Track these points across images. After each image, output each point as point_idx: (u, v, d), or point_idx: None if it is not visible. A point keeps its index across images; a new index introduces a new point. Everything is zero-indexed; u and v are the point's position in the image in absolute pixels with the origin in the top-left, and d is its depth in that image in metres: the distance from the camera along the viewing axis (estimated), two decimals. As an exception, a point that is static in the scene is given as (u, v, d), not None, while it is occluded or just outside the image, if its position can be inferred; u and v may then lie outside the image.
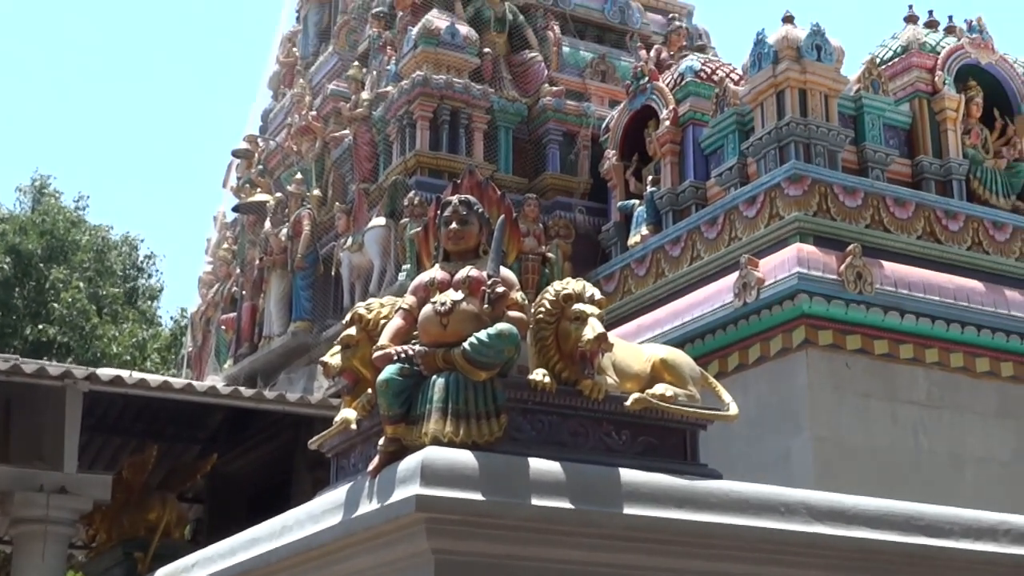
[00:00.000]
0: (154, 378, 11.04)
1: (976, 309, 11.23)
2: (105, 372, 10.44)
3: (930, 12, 13.20)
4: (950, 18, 13.16)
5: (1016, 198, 12.48)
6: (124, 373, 10.77)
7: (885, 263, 11.07)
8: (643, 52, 15.39)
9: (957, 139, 12.33)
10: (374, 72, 15.95)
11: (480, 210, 5.81)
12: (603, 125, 14.57)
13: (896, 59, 12.74)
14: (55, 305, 26.27)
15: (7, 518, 10.49)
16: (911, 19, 13.13)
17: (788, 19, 12.05)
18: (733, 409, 6.03)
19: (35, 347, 25.11)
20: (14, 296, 26.77)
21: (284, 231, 15.98)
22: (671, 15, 17.08)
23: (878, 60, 12.75)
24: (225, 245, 18.80)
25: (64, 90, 53.09)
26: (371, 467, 5.25)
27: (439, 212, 5.87)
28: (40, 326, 25.98)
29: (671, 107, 13.20)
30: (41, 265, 27.09)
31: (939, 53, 12.62)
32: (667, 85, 13.48)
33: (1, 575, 12.56)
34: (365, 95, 15.60)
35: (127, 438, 12.80)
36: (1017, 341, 11.35)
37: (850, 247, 10.78)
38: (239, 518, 11.80)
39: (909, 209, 11.62)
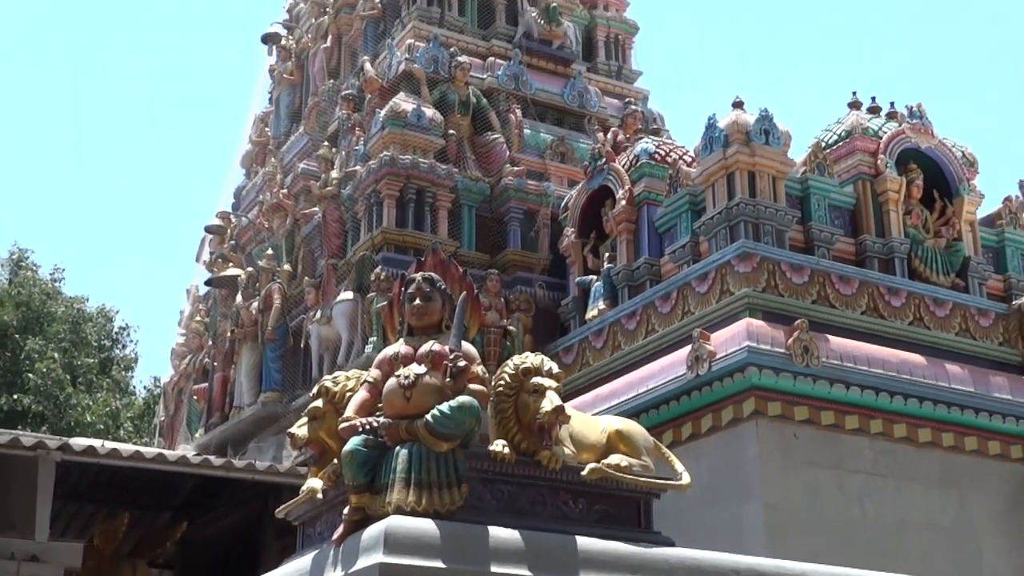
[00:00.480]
0: (126, 447, 10.94)
1: (918, 382, 11.30)
2: (77, 442, 10.32)
3: (873, 98, 13.36)
4: (892, 104, 13.30)
5: (955, 276, 12.55)
6: (96, 443, 10.64)
7: (831, 337, 11.13)
8: (600, 135, 15.52)
9: (899, 219, 12.44)
10: (343, 152, 16.03)
11: (443, 287, 5.84)
12: (562, 204, 14.65)
13: (840, 143, 12.84)
14: (30, 375, 26.02)
15: (-20, 585, 10.32)
16: (855, 105, 13.27)
17: (738, 105, 12.18)
18: (685, 478, 6.05)
19: (10, 416, 24.86)
20: (-10, 366, 26.56)
21: (255, 304, 15.94)
22: (627, 100, 17.24)
23: (823, 144, 12.84)
24: (198, 317, 18.74)
25: (42, 166, 52.99)
26: (336, 535, 5.23)
27: (404, 288, 5.91)
28: (15, 396, 25.74)
29: (627, 187, 13.29)
30: (17, 336, 26.87)
31: (881, 138, 12.72)
32: (623, 166, 13.58)
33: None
34: (334, 174, 15.66)
35: (99, 506, 12.63)
36: (957, 412, 11.41)
37: (797, 322, 10.83)
38: (209, 585, 11.68)
39: (853, 286, 11.70)
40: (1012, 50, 48.31)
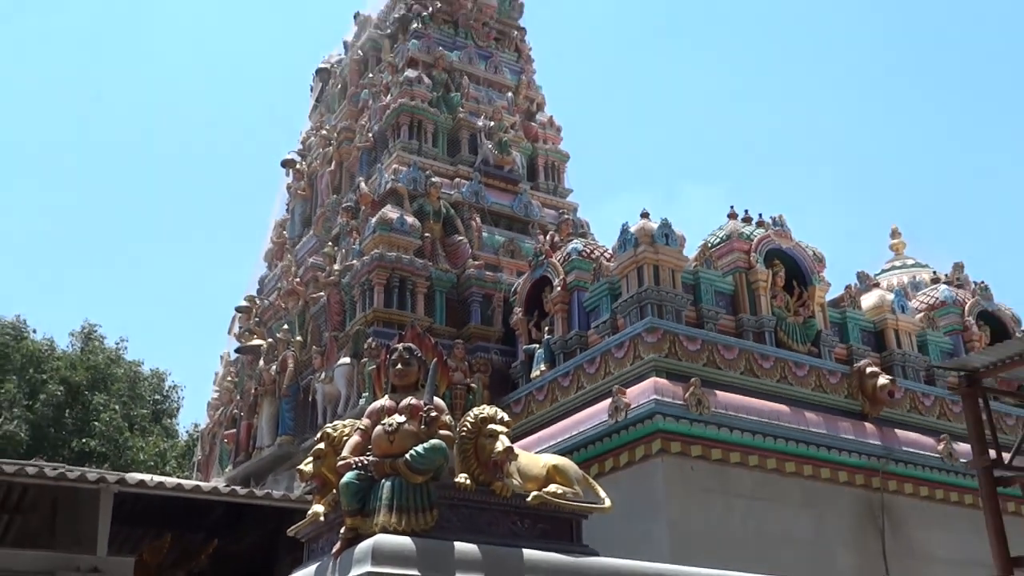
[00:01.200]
0: (170, 481, 10.72)
1: (784, 426, 11.31)
2: (132, 476, 10.10)
3: (746, 211, 13.47)
4: (760, 215, 13.43)
5: (811, 344, 12.64)
6: (147, 477, 10.42)
7: (718, 392, 11.13)
8: (541, 237, 15.58)
9: (767, 302, 12.52)
10: (343, 250, 16.01)
11: (419, 354, 5.83)
12: (512, 289, 14.66)
13: (722, 244, 12.94)
14: (96, 423, 25.56)
15: (51, 593, 10.02)
16: (732, 215, 13.39)
17: (644, 215, 12.28)
18: (607, 503, 6.01)
19: (79, 456, 24.37)
20: (64, 416, 26.01)
21: (274, 367, 15.79)
22: (561, 210, 17.40)
23: (709, 245, 12.95)
24: (229, 378, 18.49)
25: (111, 257, 52.59)
26: (335, 550, 5.14)
27: (388, 356, 5.88)
28: (84, 440, 25.26)
29: (561, 277, 13.33)
30: (86, 393, 26.43)
31: (752, 240, 12.84)
32: (559, 261, 13.61)
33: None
34: (336, 267, 15.61)
35: (147, 527, 12.31)
36: (814, 449, 11.42)
37: (692, 380, 10.84)
38: (234, 590, 11.36)
39: (734, 352, 11.75)
40: (853, 170, 49.32)
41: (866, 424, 12.12)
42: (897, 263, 17.21)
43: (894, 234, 17.77)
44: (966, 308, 14.60)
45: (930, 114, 50.28)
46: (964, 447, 12.44)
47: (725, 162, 50.84)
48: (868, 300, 13.74)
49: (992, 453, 7.29)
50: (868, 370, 12.36)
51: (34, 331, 27.99)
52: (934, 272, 16.31)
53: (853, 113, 50.32)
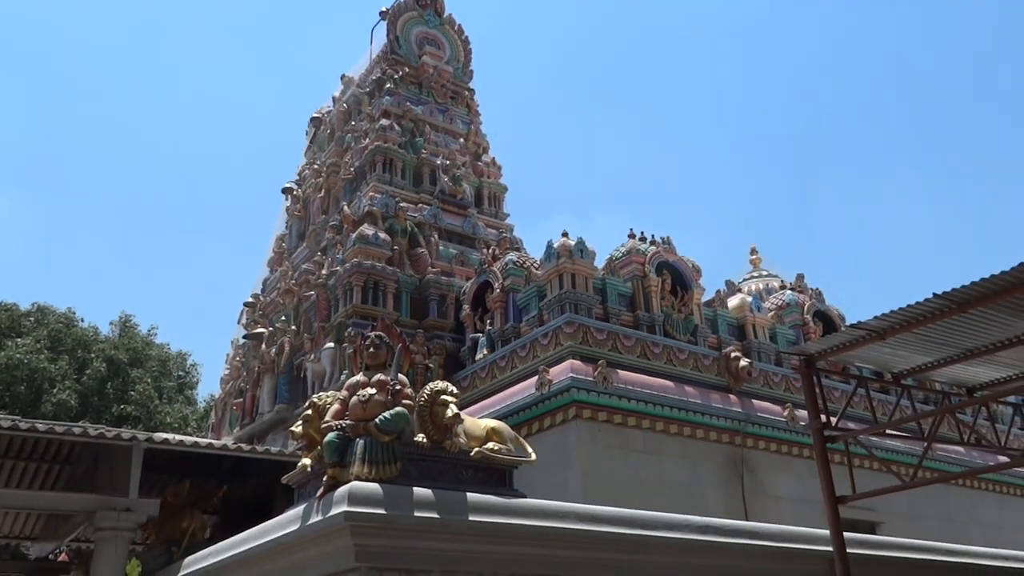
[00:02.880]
0: (189, 439, 10.46)
1: (669, 397, 11.42)
2: (158, 435, 9.83)
3: (642, 232, 13.60)
4: (652, 235, 13.58)
5: (690, 335, 12.79)
6: (170, 436, 10.17)
7: (620, 371, 11.21)
8: (485, 250, 15.56)
9: (657, 302, 12.65)
10: (329, 258, 15.79)
11: (387, 341, 5.77)
12: (462, 291, 14.60)
13: (623, 257, 13.04)
14: (132, 393, 24.94)
15: (92, 527, 9.74)
16: (632, 236, 13.50)
17: (565, 234, 12.34)
18: (533, 457, 5.99)
19: (118, 419, 23.75)
20: (107, 388, 25.34)
21: (273, 350, 15.52)
22: (501, 230, 17.37)
23: (614, 258, 13.05)
24: (238, 358, 18.13)
25: (148, 262, 51.33)
26: (319, 494, 5.06)
27: (363, 342, 5.80)
28: (122, 406, 24.61)
29: (500, 282, 13.31)
30: (126, 369, 25.78)
31: (647, 255, 12.96)
32: (498, 269, 13.59)
33: (83, 566, 11.56)
34: (324, 271, 15.40)
35: (171, 475, 12.01)
36: (691, 415, 11.54)
37: (600, 362, 10.90)
38: (241, 525, 11.08)
39: (632, 341, 11.84)
40: (724, 203, 50.12)
41: (731, 396, 12.29)
42: (755, 274, 17.49)
43: (753, 252, 18.08)
44: (805, 308, 14.90)
45: (780, 161, 51.41)
46: (803, 413, 12.73)
47: (627, 195, 51.46)
48: (733, 302, 13.95)
49: (823, 418, 7.43)
50: (732, 355, 12.54)
51: (82, 320, 27.30)
52: (782, 281, 16.61)
53: (724, 158, 51.28)
